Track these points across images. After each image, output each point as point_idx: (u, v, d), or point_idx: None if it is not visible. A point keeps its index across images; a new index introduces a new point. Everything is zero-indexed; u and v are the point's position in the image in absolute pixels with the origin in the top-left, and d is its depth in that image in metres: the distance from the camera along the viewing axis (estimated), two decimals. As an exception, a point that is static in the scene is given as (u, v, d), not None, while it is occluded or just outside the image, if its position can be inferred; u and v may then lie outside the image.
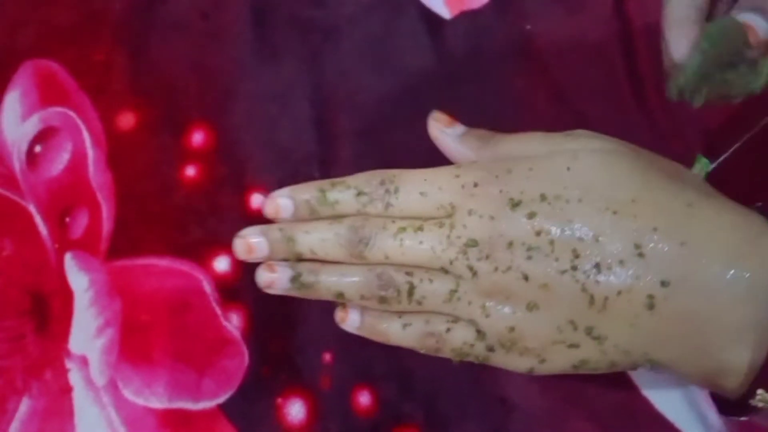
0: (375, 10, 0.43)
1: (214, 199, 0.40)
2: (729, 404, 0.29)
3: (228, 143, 0.41)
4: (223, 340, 0.37)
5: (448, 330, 0.30)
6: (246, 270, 0.38)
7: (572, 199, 0.28)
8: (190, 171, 0.40)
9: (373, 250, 0.30)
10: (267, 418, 0.35)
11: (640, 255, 0.27)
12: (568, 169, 0.28)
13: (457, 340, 0.30)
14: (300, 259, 0.31)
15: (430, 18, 0.42)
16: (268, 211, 0.32)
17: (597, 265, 0.27)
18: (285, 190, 0.32)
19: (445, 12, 0.42)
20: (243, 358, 0.36)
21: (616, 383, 0.35)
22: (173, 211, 0.40)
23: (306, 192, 0.32)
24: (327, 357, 0.36)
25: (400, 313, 0.31)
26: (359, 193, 0.31)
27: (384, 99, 0.41)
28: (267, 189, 0.39)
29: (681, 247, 0.27)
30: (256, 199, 0.39)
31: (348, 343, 0.36)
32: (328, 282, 0.31)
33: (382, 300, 0.30)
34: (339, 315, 0.32)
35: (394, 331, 0.31)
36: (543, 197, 0.28)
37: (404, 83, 0.41)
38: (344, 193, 0.31)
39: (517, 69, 0.41)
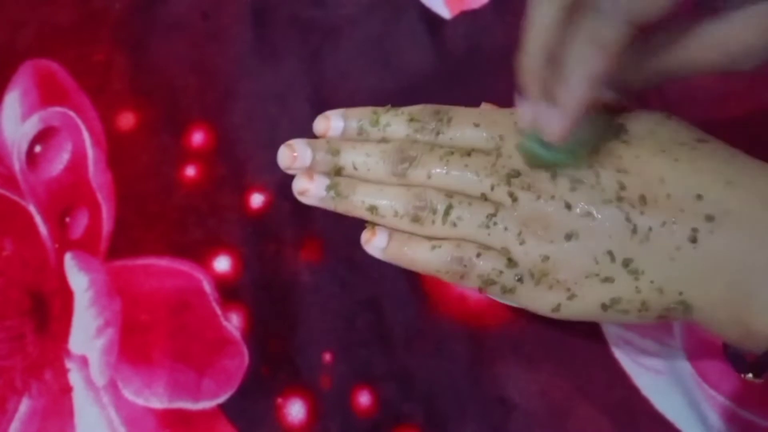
0: (375, 10, 0.43)
1: (214, 199, 0.40)
2: (750, 364, 0.29)
3: (228, 143, 0.41)
4: (223, 340, 0.37)
5: (479, 255, 0.30)
6: (246, 270, 0.38)
7: (620, 141, 0.29)
8: (190, 171, 0.40)
9: (416, 170, 0.31)
10: (267, 418, 0.35)
11: None
12: (623, 125, 0.29)
13: (486, 266, 0.29)
14: (339, 174, 0.32)
15: (430, 18, 0.42)
16: (318, 128, 0.33)
17: (642, 197, 0.28)
18: (339, 111, 0.33)
19: (445, 12, 0.42)
20: (243, 358, 0.36)
21: (616, 383, 0.35)
22: (173, 211, 0.40)
23: (359, 114, 0.33)
24: (327, 357, 0.36)
25: (430, 238, 0.31)
26: (411, 119, 0.32)
27: (384, 99, 0.41)
28: (267, 189, 0.39)
29: (727, 185, 0.27)
30: (255, 199, 0.39)
31: (348, 343, 0.36)
32: (364, 195, 0.31)
33: (416, 219, 0.30)
34: (365, 236, 0.32)
35: (420, 253, 0.31)
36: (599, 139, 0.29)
37: (404, 83, 0.41)
38: (397, 117, 0.32)
39: (517, 69, 0.41)
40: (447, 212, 0.30)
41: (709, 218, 0.27)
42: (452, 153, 0.31)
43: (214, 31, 0.43)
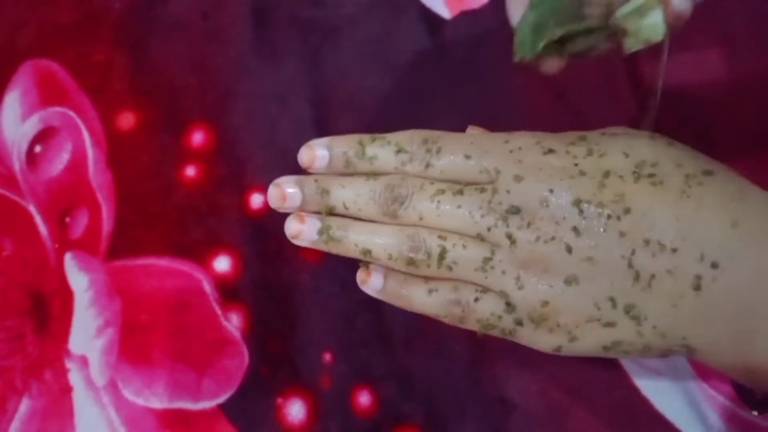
0: (375, 10, 0.43)
1: (214, 199, 0.40)
2: (758, 401, 0.28)
3: (228, 143, 0.41)
4: (223, 340, 0.37)
5: (477, 299, 0.29)
6: (246, 270, 0.38)
7: (627, 175, 0.28)
8: (190, 171, 0.40)
9: (407, 211, 0.29)
10: (267, 418, 0.35)
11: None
12: (626, 155, 0.28)
13: (484, 311, 0.29)
14: (331, 213, 0.31)
15: (430, 18, 0.42)
16: (304, 159, 0.32)
17: (646, 241, 0.27)
18: (324, 140, 0.31)
19: (445, 12, 0.42)
20: (243, 358, 0.36)
21: (616, 383, 0.35)
22: (173, 211, 0.40)
23: (345, 144, 0.31)
24: (327, 357, 0.36)
25: (427, 279, 0.30)
26: (399, 150, 0.30)
27: (384, 99, 0.41)
28: (267, 189, 0.39)
29: (732, 229, 0.26)
30: (255, 199, 0.39)
31: (348, 343, 0.36)
32: (356, 238, 0.30)
33: (410, 262, 0.29)
34: (360, 276, 0.31)
35: (418, 297, 0.30)
36: (603, 174, 0.28)
37: (404, 83, 0.41)
38: (384, 148, 0.31)
39: (517, 69, 0.41)
40: (442, 256, 0.29)
41: (714, 265, 0.26)
42: (443, 191, 0.29)
43: (214, 31, 0.43)
